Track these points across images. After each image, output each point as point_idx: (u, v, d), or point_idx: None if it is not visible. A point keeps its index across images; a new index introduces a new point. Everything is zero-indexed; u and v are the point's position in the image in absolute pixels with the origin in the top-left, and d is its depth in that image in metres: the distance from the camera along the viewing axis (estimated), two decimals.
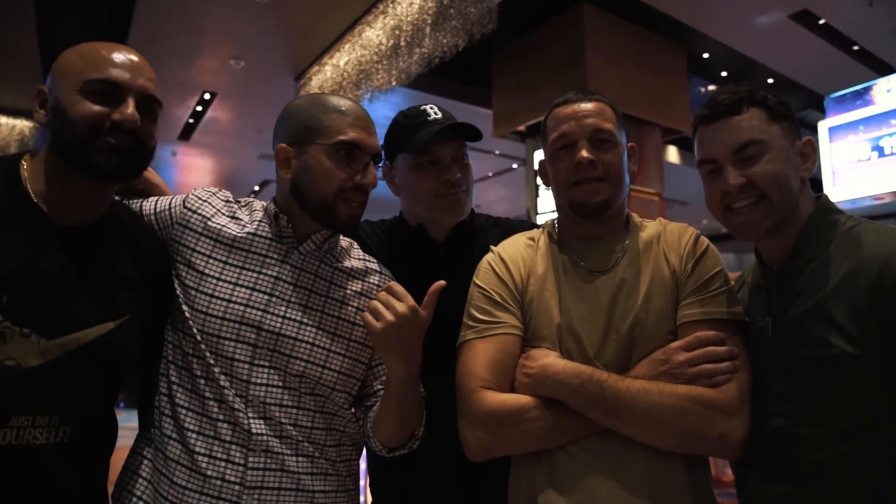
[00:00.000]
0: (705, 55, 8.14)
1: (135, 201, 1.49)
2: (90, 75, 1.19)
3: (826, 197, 1.35)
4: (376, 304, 1.24)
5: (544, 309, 1.36)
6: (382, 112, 6.94)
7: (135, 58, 1.25)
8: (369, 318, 1.24)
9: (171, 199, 1.49)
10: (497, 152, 10.41)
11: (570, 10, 6.74)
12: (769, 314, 1.31)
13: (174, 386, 1.33)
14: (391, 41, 6.38)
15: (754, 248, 1.40)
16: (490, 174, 12.50)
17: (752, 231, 1.29)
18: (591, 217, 1.39)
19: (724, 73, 8.89)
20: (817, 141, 7.37)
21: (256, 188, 14.32)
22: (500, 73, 7.87)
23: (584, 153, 1.37)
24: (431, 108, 1.67)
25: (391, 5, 6.35)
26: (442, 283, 1.28)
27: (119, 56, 1.23)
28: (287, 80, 8.47)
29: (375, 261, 1.57)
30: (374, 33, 6.66)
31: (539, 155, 7.27)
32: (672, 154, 10.57)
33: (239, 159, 12.34)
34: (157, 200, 1.49)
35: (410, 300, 1.24)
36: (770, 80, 8.76)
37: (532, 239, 1.50)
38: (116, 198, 1.40)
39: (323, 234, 1.43)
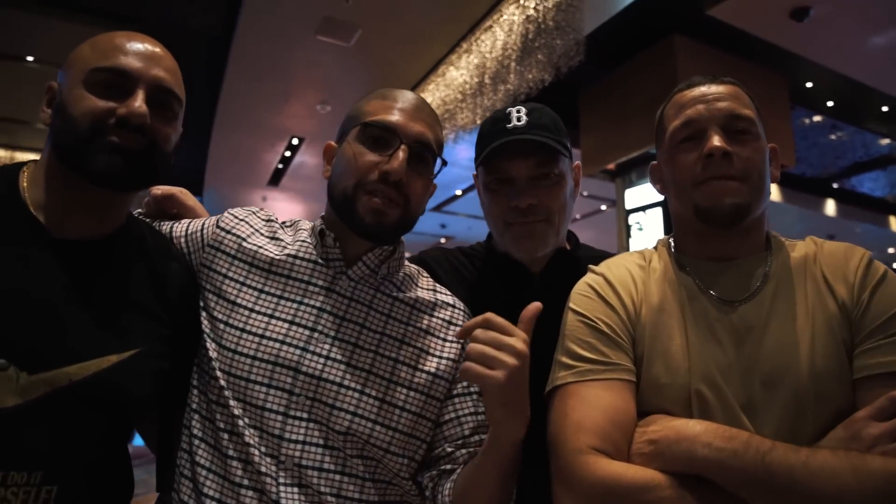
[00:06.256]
0: (809, 84, 7.61)
1: (165, 224, 1.32)
2: (96, 63, 1.02)
3: None
4: (482, 348, 0.92)
5: (662, 351, 1.05)
6: (468, 153, 6.81)
7: (153, 47, 1.07)
8: (479, 369, 0.91)
9: (205, 219, 1.30)
10: (585, 193, 10.10)
11: (661, 41, 6.47)
12: None
13: (196, 441, 1.11)
14: (475, 79, 6.30)
15: None
16: (577, 216, 12.13)
17: None
18: (721, 226, 1.09)
19: (830, 103, 8.29)
20: None
21: None
22: (588, 110, 7.64)
23: (717, 142, 1.07)
24: (517, 112, 1.36)
25: (475, 43, 6.29)
26: (538, 304, 0.98)
27: (133, 44, 1.05)
28: None
29: (448, 292, 1.30)
30: (459, 72, 6.62)
31: (631, 194, 6.95)
32: (774, 192, 9.97)
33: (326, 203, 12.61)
34: (189, 222, 1.31)
35: (520, 332, 0.94)
36: (884, 108, 8.10)
37: (643, 258, 1.21)
38: (140, 216, 1.23)
39: (377, 255, 1.19)
